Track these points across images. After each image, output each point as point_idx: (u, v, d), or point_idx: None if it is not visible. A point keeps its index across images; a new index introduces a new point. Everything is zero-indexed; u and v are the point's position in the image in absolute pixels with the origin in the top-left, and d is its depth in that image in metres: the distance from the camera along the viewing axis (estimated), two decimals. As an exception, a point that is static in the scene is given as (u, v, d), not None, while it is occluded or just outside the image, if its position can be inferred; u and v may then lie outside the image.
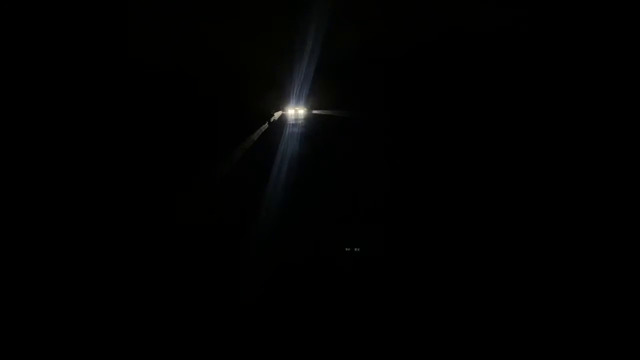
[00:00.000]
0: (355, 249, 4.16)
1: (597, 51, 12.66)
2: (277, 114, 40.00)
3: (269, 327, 3.42)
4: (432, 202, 5.97)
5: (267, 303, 3.30)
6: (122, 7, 7.69)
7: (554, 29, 14.91)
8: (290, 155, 12.99)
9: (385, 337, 2.81)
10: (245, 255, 4.29)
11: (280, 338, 2.78)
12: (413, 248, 4.31)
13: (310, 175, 8.81)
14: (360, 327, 3.13)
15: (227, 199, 6.63)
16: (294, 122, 38.79)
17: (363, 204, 6.18)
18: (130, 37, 7.71)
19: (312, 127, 30.64)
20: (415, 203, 6.08)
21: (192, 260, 4.21)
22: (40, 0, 6.09)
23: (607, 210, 5.26)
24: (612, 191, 5.90)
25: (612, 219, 4.90)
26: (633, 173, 6.99)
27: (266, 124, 21.77)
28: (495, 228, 4.85)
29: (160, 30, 9.77)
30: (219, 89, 15.14)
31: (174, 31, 10.81)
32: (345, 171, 9.53)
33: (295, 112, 41.86)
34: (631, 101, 10.93)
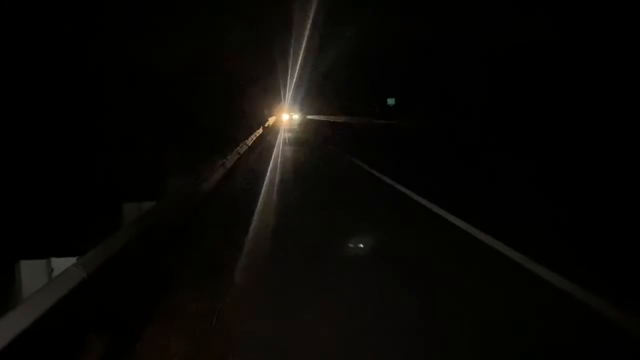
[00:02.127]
0: (360, 245, 4.25)
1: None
2: (271, 119, 39.75)
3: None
4: (424, 202, 6.11)
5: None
6: (125, 16, 7.79)
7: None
8: (284, 159, 13.13)
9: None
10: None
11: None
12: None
13: (305, 178, 8.92)
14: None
15: (224, 199, 6.72)
16: (288, 127, 38.37)
17: (357, 203, 6.30)
18: (130, 45, 7.81)
19: (307, 131, 30.02)
20: (409, 203, 6.22)
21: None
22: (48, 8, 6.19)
23: None
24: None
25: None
26: None
27: (260, 128, 21.94)
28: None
29: (158, 37, 9.88)
30: (216, 93, 15.26)
31: (172, 38, 10.92)
32: (338, 173, 9.65)
33: (290, 117, 41.62)
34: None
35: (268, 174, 9.48)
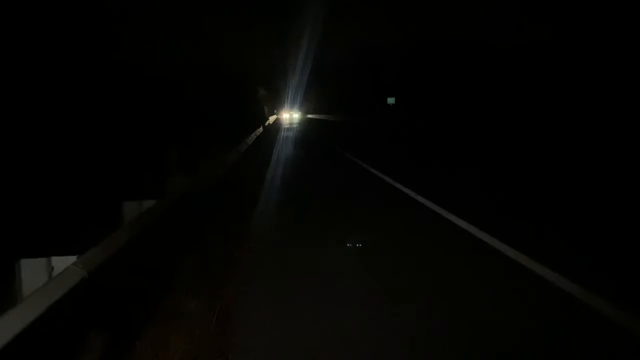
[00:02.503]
0: (358, 245, 4.39)
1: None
2: (272, 118, 39.77)
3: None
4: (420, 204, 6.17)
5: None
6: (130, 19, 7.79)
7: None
8: (285, 158, 13.16)
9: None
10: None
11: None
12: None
13: (304, 178, 8.96)
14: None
15: (223, 201, 6.73)
16: (288, 125, 38.38)
17: (354, 205, 6.36)
18: (134, 43, 7.81)
19: (306, 130, 29.99)
20: (405, 204, 6.29)
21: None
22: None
23: None
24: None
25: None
26: None
27: (261, 127, 21.93)
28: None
29: (162, 35, 9.86)
30: (217, 93, 15.24)
31: (174, 37, 10.89)
32: (337, 172, 9.71)
33: (290, 115, 41.70)
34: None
35: (269, 167, 10.84)
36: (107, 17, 7.44)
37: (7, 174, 4.68)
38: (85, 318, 2.22)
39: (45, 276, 2.37)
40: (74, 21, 6.63)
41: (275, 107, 48.49)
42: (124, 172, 6.15)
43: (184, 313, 3.00)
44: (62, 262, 2.35)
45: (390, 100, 34.74)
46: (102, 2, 7.44)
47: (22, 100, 5.79)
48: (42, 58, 6.20)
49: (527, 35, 16.38)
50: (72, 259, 2.31)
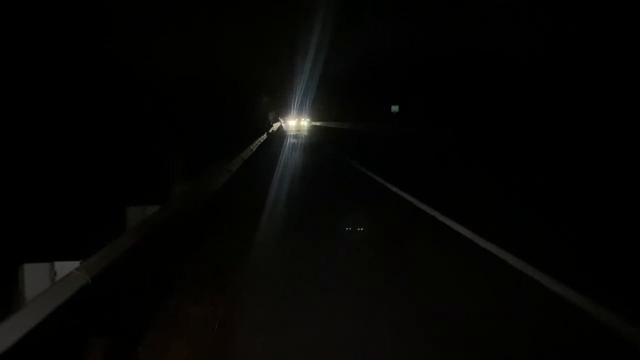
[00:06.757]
0: (359, 229, 4.52)
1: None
2: (276, 125, 39.87)
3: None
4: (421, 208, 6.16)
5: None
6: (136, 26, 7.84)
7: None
8: (292, 165, 13.19)
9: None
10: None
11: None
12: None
13: (308, 184, 8.97)
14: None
15: (229, 201, 6.74)
16: (294, 133, 38.65)
17: (357, 213, 6.35)
18: (137, 48, 7.87)
19: (311, 137, 30.17)
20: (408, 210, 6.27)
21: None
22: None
23: None
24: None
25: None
26: None
27: (265, 134, 21.97)
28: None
29: (166, 41, 9.89)
30: (221, 99, 15.31)
31: (180, 43, 10.91)
32: (342, 179, 9.73)
33: (297, 123, 41.97)
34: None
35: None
36: (118, 23, 7.53)
37: (10, 178, 4.71)
38: (87, 323, 2.22)
39: (48, 281, 2.37)
40: (86, 29, 6.70)
41: (281, 114, 48.70)
42: (127, 177, 6.17)
43: (186, 319, 3.00)
44: (65, 267, 2.34)
45: (394, 109, 34.77)
46: (114, 9, 7.52)
47: (26, 103, 5.83)
48: (46, 62, 6.25)
49: (528, 44, 16.40)
50: (75, 264, 2.31)
